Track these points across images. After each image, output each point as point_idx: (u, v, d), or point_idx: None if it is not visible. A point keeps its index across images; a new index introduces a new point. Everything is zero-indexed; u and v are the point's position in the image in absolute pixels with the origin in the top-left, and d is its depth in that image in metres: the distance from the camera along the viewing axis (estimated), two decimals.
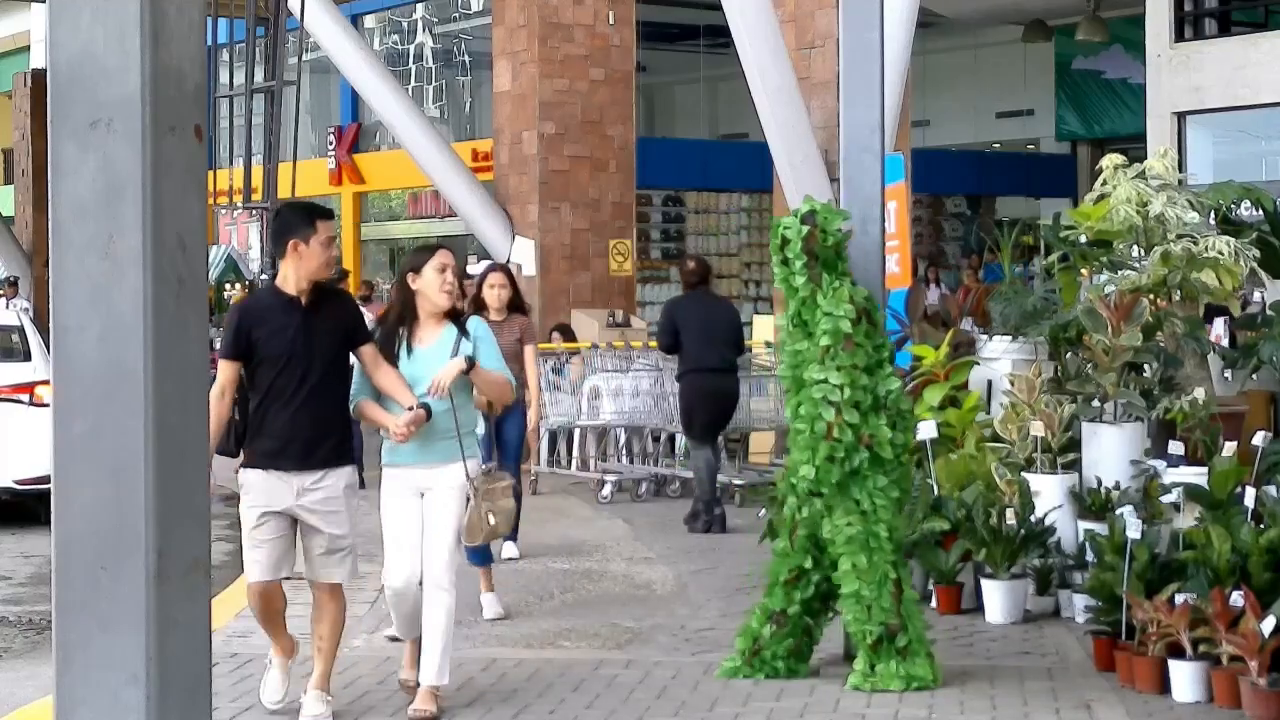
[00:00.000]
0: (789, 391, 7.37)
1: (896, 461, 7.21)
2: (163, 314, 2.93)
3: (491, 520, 6.84)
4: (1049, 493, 8.73)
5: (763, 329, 16.08)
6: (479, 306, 9.50)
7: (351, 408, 6.77)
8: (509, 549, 10.16)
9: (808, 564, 7.29)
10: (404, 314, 6.92)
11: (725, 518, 11.70)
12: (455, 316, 6.97)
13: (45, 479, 10.82)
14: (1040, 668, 7.45)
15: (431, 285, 6.85)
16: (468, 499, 6.79)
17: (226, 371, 6.58)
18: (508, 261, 16.45)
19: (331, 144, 27.89)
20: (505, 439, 9.58)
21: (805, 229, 7.15)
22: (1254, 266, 9.74)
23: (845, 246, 7.25)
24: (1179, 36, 19.42)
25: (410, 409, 6.64)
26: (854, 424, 7.07)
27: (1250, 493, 7.70)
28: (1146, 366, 9.39)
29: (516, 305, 9.92)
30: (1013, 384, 9.50)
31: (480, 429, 7.36)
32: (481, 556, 8.66)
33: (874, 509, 7.12)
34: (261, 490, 6.60)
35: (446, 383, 6.70)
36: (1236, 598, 6.70)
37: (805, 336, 7.22)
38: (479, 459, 7.03)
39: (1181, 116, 19.24)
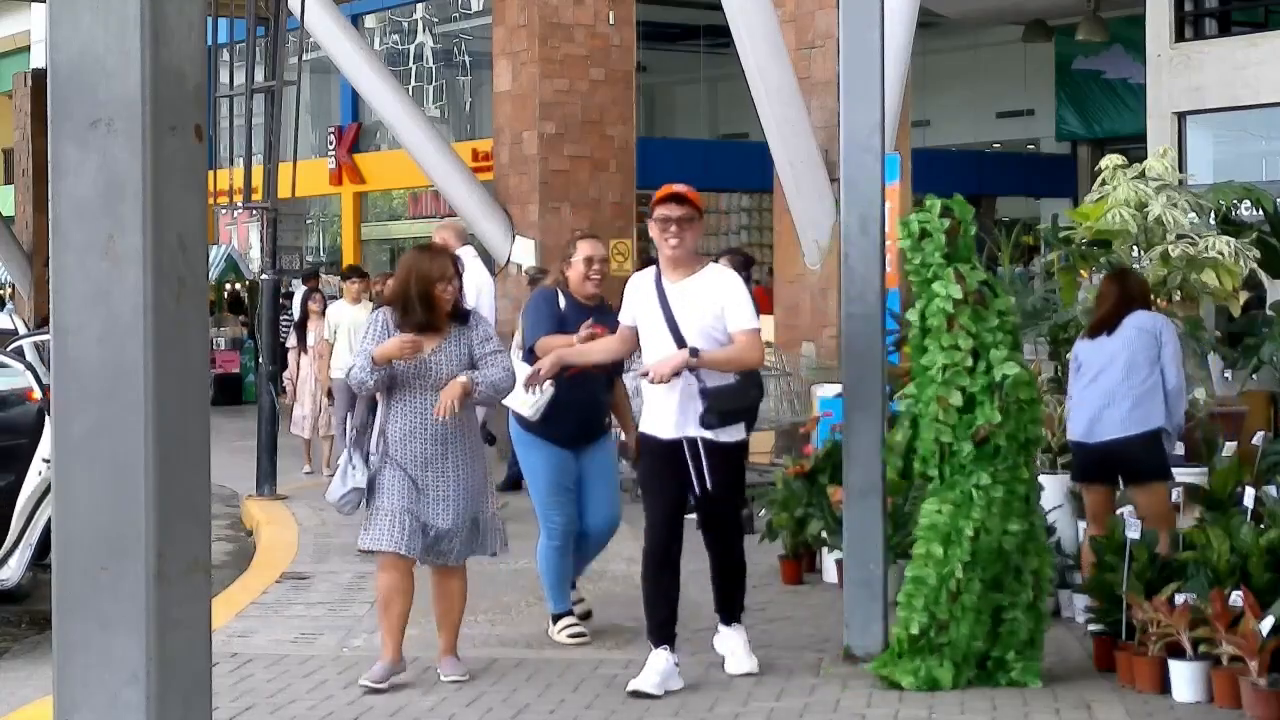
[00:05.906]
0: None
1: (1008, 457, 7.02)
2: (163, 314, 2.92)
3: None
4: (1049, 493, 8.72)
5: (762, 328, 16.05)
6: None
7: None
8: None
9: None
10: None
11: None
12: None
13: None
14: (1040, 668, 7.44)
15: None
16: None
17: None
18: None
19: (331, 144, 27.90)
20: None
21: (946, 222, 7.05)
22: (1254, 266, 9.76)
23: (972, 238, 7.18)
24: (1179, 36, 19.41)
25: None
26: (957, 407, 6.95)
27: (1250, 493, 7.69)
28: None
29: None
30: None
31: None
32: None
33: (969, 504, 6.98)
34: None
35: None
36: (1236, 598, 6.69)
37: None
38: None
39: (1181, 116, 19.24)
